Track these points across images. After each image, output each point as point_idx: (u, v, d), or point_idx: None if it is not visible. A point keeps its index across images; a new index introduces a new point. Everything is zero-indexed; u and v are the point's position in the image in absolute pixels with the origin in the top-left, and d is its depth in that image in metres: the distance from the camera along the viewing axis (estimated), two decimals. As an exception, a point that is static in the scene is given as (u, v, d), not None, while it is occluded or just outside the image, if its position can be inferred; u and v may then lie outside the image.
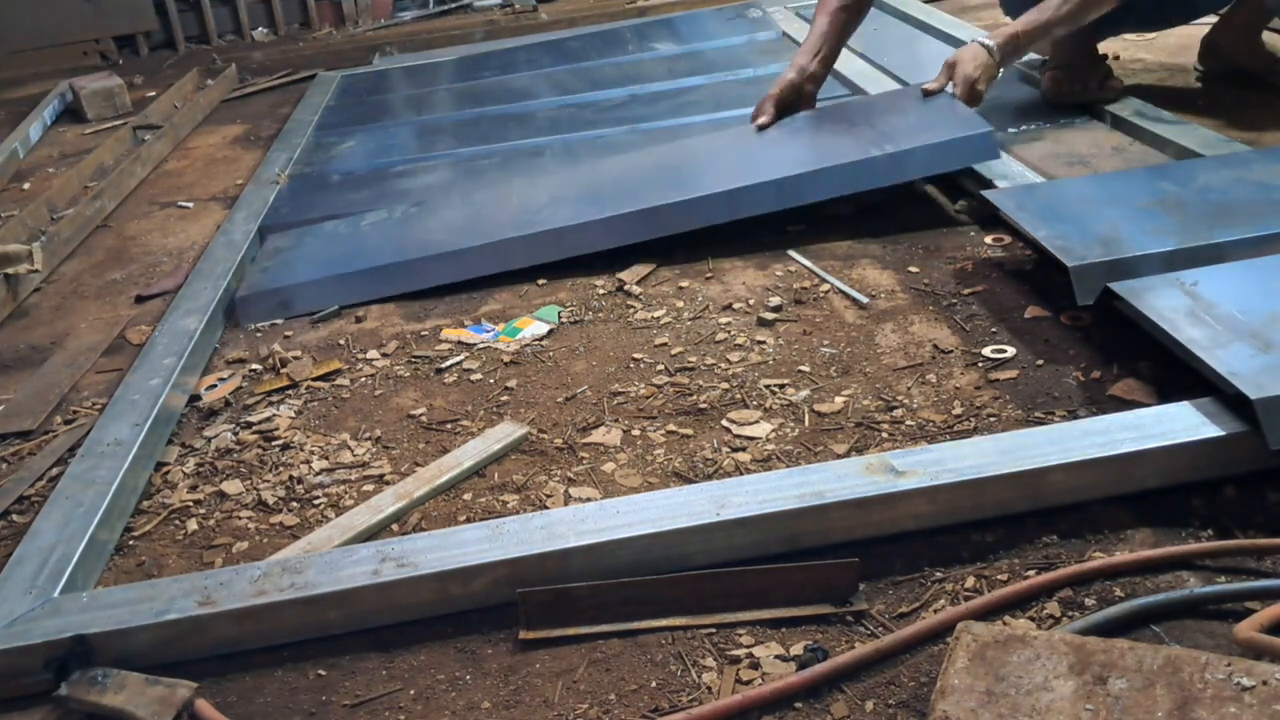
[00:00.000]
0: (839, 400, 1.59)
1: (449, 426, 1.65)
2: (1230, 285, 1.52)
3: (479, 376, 1.79)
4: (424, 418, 1.69)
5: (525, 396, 1.71)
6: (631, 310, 1.94)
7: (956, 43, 3.13)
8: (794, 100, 2.36)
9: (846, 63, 3.07)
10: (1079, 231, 1.73)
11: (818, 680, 1.09)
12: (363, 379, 1.83)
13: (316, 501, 1.51)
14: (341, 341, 1.96)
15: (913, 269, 1.97)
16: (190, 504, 1.54)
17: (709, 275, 2.04)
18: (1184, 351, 1.40)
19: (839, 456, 1.45)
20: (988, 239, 2.04)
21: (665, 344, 1.81)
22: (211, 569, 1.37)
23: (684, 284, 2.01)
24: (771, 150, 2.25)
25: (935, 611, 1.18)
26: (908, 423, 1.52)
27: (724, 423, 1.57)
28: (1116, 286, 1.56)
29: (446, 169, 2.67)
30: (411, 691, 1.17)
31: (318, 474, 1.57)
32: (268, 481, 1.57)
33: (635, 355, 1.79)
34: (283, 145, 3.06)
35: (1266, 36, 2.65)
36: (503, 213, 2.24)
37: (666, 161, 2.33)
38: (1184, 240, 1.67)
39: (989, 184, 2.10)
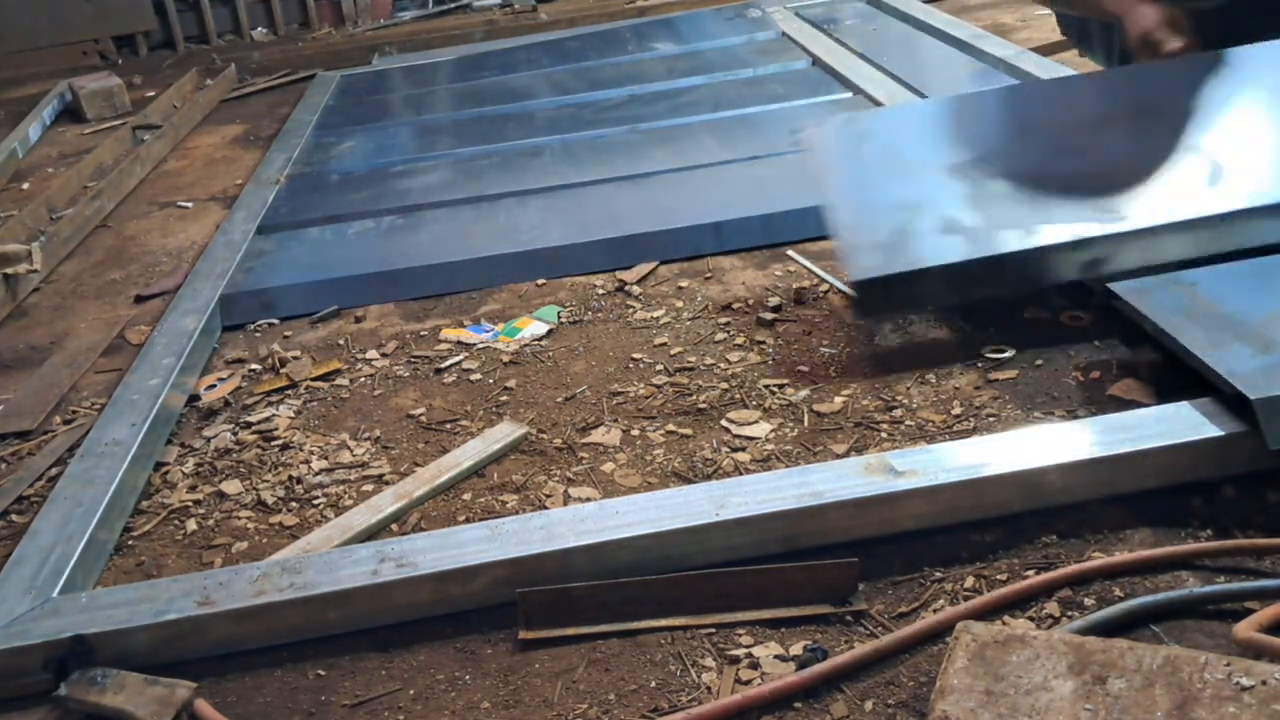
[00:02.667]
0: (838, 400, 1.59)
1: (448, 426, 1.65)
2: (1230, 285, 1.52)
3: (478, 376, 1.78)
4: (423, 418, 1.69)
5: (525, 396, 1.71)
6: (631, 310, 1.94)
7: (956, 43, 3.13)
8: None
9: (847, 63, 3.07)
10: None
11: (817, 680, 1.09)
12: (362, 379, 1.83)
13: (316, 501, 1.51)
14: (341, 341, 1.96)
15: (912, 269, 1.97)
16: (189, 504, 1.54)
17: (708, 275, 2.04)
18: (1184, 351, 1.40)
19: (838, 456, 1.45)
20: (987, 239, 2.04)
21: (665, 344, 1.81)
22: (211, 569, 1.37)
23: (683, 284, 2.01)
24: (763, 183, 2.30)
25: (935, 611, 1.18)
26: (907, 423, 1.52)
27: (723, 423, 1.57)
28: (1116, 287, 1.56)
29: (446, 169, 2.67)
30: (411, 691, 1.17)
31: (317, 474, 1.57)
32: (267, 481, 1.57)
33: (635, 355, 1.79)
34: (282, 145, 3.06)
35: None
36: (490, 229, 2.26)
37: (658, 187, 2.37)
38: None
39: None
